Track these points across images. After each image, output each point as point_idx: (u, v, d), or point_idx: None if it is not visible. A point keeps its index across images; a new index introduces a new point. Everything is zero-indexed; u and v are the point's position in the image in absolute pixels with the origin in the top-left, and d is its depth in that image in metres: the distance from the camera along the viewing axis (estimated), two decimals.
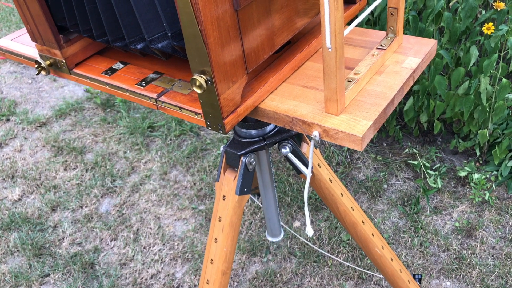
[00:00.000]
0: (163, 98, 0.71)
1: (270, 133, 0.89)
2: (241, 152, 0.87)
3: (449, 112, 1.60)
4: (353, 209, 1.07)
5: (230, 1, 0.58)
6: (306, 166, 0.97)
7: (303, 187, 1.72)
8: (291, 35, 0.72)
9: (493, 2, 1.33)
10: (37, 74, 0.84)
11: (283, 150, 0.91)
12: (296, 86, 0.73)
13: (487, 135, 1.59)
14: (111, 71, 0.80)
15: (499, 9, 1.31)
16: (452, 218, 1.61)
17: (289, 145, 0.90)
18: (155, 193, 1.81)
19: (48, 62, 0.83)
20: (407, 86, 0.72)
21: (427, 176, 1.71)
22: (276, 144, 0.92)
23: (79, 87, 2.46)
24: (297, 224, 1.64)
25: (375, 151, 1.88)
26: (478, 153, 1.70)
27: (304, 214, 1.66)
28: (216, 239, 0.97)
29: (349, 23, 0.88)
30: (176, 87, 0.73)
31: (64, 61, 0.81)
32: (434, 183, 1.68)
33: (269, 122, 0.72)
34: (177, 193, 1.80)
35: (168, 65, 0.79)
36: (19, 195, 1.85)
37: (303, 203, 1.70)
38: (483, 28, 1.32)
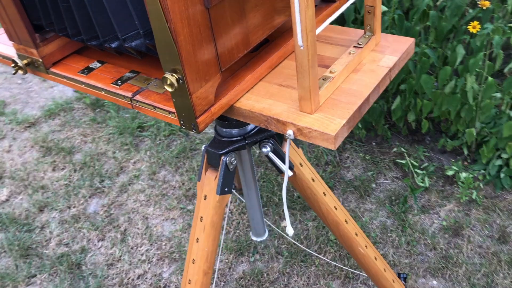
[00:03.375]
0: (137, 97, 0.71)
1: (251, 132, 0.89)
2: (221, 152, 0.87)
3: (437, 111, 1.60)
4: (336, 208, 1.07)
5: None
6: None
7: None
8: (267, 33, 0.72)
9: (479, 1, 1.33)
10: (14, 74, 0.83)
11: (263, 150, 0.90)
12: (273, 85, 0.73)
13: (474, 134, 1.59)
14: (88, 70, 0.79)
15: (484, 8, 1.31)
16: (439, 217, 1.61)
17: (270, 144, 0.90)
18: (144, 193, 1.80)
19: (25, 61, 0.83)
20: (383, 85, 0.72)
21: (415, 175, 1.71)
22: (258, 144, 0.92)
23: (69, 87, 2.45)
24: (285, 223, 1.64)
25: (364, 150, 1.88)
26: (466, 152, 1.71)
27: (291, 214, 1.66)
28: (197, 239, 0.97)
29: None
30: (152, 86, 0.73)
31: (40, 60, 0.80)
32: (422, 182, 1.68)
33: (244, 121, 0.71)
34: (165, 193, 1.80)
35: (145, 64, 0.79)
36: (6, 195, 1.84)
37: (290, 202, 1.70)
38: (468, 27, 1.32)
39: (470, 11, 1.46)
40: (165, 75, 0.60)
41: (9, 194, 1.84)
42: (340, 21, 1.53)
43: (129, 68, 0.79)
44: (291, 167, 0.98)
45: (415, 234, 1.55)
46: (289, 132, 0.66)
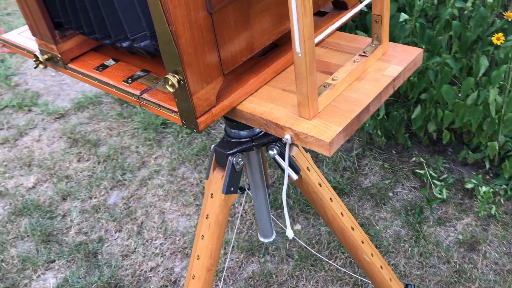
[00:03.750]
0: (145, 95, 0.74)
1: (259, 135, 0.90)
2: (229, 152, 0.89)
3: (458, 123, 1.57)
4: (342, 215, 1.07)
5: (204, 4, 0.60)
6: (293, 168, 0.98)
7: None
8: (273, 38, 0.73)
9: (505, 12, 1.30)
10: (35, 67, 0.88)
11: (270, 152, 0.92)
12: (276, 89, 0.74)
13: (497, 147, 1.55)
14: (102, 67, 0.83)
15: (510, 19, 1.28)
16: (455, 230, 1.58)
17: (277, 147, 0.91)
18: (162, 188, 1.84)
19: (45, 56, 0.87)
20: (386, 94, 0.72)
21: (433, 186, 1.68)
22: (265, 146, 0.94)
23: None
24: (298, 227, 1.65)
25: (383, 158, 1.86)
26: (487, 166, 1.67)
27: (304, 218, 1.66)
28: (203, 235, 0.99)
29: (341, 30, 0.89)
30: (159, 86, 0.75)
31: (59, 56, 0.84)
32: (440, 194, 1.65)
33: (246, 124, 0.73)
34: (183, 189, 1.83)
35: (156, 63, 0.82)
36: (33, 183, 1.92)
37: (305, 206, 1.70)
38: (492, 38, 1.30)
39: (498, 21, 1.43)
40: (167, 76, 0.62)
41: (35, 182, 1.92)
42: (363, 26, 1.53)
43: (141, 67, 0.82)
44: (297, 171, 0.99)
45: (429, 246, 1.53)
46: (287, 137, 0.68)
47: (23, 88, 2.53)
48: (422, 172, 1.73)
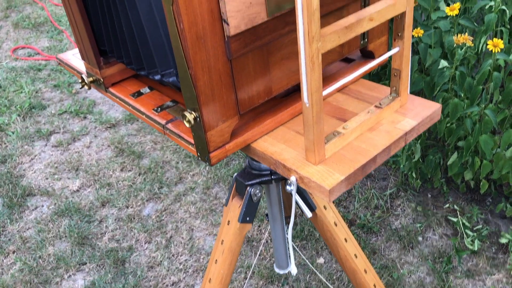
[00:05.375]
0: (169, 125, 0.80)
1: None
2: (248, 183, 0.93)
3: (497, 174, 1.53)
4: (356, 257, 1.07)
5: (224, 51, 0.65)
6: (309, 206, 1.01)
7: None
8: (292, 84, 0.78)
9: None
10: (80, 88, 0.97)
11: (287, 187, 0.95)
12: (291, 131, 0.78)
13: None
14: (138, 94, 0.90)
15: None
16: (485, 285, 1.52)
17: (295, 182, 0.94)
18: (195, 205, 1.91)
19: (91, 78, 0.96)
20: (395, 147, 0.74)
21: (464, 235, 1.63)
22: (283, 180, 0.97)
23: None
24: (321, 260, 1.65)
25: (417, 200, 1.83)
26: None
27: (328, 252, 1.66)
28: (216, 260, 1.03)
29: (365, 77, 0.91)
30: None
31: (102, 80, 0.93)
32: (471, 245, 1.60)
33: (258, 161, 0.77)
34: (214, 208, 1.89)
35: None
36: (78, 186, 2.05)
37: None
38: None
39: None
40: (184, 113, 0.67)
41: (80, 186, 2.05)
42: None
43: (172, 97, 0.89)
44: (312, 208, 1.01)
45: None
46: (293, 179, 0.71)
47: (82, 96, 2.71)
48: (455, 219, 1.69)
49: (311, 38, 0.58)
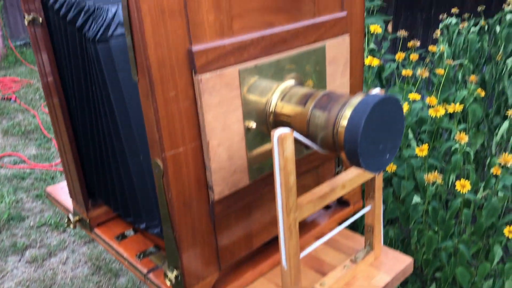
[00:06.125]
0: (150, 275, 0.81)
1: None
2: None
3: None
4: None
5: (208, 214, 0.69)
6: None
7: None
8: (272, 236, 0.81)
9: None
10: (66, 227, 0.99)
11: None
12: (270, 284, 0.80)
13: None
14: (122, 237, 0.93)
15: None
16: None
17: None
18: None
19: (77, 218, 0.98)
20: None
21: None
22: None
23: None
24: None
25: None
26: None
27: None
28: None
29: (341, 223, 0.96)
30: (166, 266, 0.83)
31: (88, 220, 0.95)
32: None
33: None
34: None
35: None
36: None
37: None
38: (504, 230, 1.32)
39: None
40: (166, 272, 0.70)
41: None
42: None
43: (155, 242, 0.91)
44: None
45: None
46: None
47: None
48: None
49: (289, 210, 0.63)
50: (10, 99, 4.25)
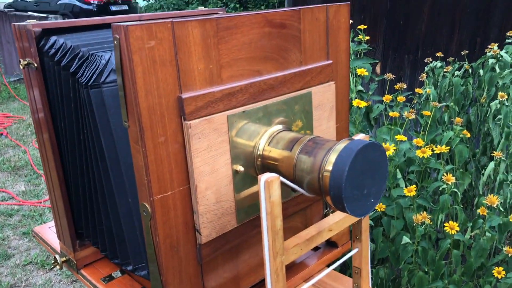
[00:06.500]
0: None
1: None
2: None
3: None
4: None
5: (195, 256, 0.70)
6: None
7: None
8: (259, 278, 0.81)
9: (504, 247, 1.35)
10: (51, 268, 0.98)
11: None
12: None
13: None
14: (109, 279, 0.92)
15: (509, 255, 1.33)
16: None
17: None
18: None
19: (63, 259, 0.98)
20: None
21: None
22: None
23: None
24: None
25: None
26: None
27: None
28: None
29: (329, 265, 0.96)
30: None
31: (75, 261, 0.95)
32: None
33: None
34: None
35: None
36: None
37: None
38: (493, 271, 1.33)
39: (504, 249, 1.47)
40: None
41: None
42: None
43: (143, 283, 0.90)
44: None
45: None
46: None
47: None
48: None
49: (275, 253, 0.64)
50: (1, 134, 4.25)
